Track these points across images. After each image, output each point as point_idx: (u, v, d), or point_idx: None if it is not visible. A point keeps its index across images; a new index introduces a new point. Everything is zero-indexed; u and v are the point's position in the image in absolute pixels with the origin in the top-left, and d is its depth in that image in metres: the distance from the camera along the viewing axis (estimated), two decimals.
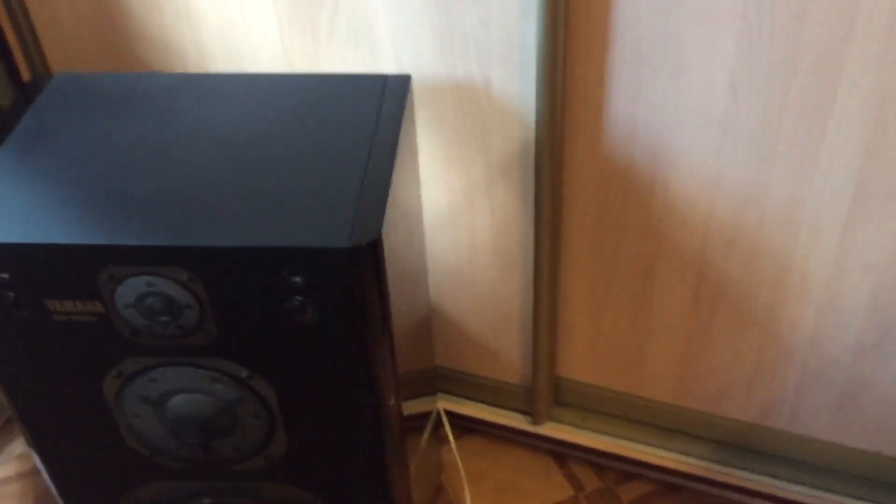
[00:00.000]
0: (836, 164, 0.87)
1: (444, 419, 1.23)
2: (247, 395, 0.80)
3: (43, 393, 0.83)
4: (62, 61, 1.14)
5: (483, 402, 1.27)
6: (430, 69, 0.96)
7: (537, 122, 0.93)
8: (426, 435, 1.10)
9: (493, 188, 1.03)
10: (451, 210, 1.08)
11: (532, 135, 0.96)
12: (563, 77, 0.90)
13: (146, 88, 0.90)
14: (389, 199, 0.75)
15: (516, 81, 0.93)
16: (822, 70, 0.82)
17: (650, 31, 0.85)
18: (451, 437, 1.22)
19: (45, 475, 0.91)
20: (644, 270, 1.04)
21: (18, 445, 1.33)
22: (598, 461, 1.26)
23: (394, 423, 0.84)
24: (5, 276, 0.73)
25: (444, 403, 1.26)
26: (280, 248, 0.70)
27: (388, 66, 0.98)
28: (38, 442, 0.88)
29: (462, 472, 1.24)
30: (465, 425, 1.29)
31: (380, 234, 0.71)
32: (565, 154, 0.97)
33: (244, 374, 0.79)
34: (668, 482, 1.23)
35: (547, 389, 1.20)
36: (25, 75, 1.16)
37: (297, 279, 0.71)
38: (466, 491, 1.22)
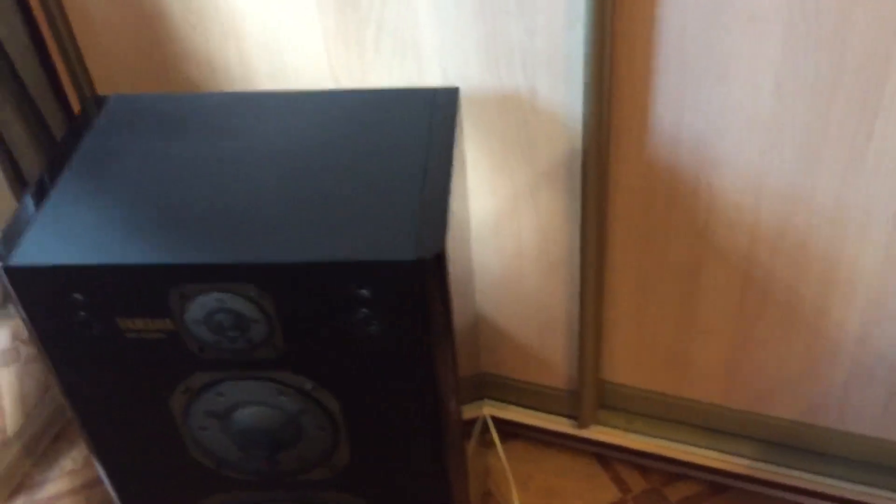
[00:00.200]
0: (884, 162, 0.87)
1: (491, 425, 1.24)
2: (311, 406, 0.82)
3: (109, 407, 0.84)
4: (106, 80, 1.16)
5: (528, 406, 1.28)
6: (476, 80, 0.97)
7: (584, 128, 0.94)
8: (473, 441, 1.12)
9: (539, 194, 1.04)
10: (496, 217, 1.09)
11: (578, 141, 0.97)
12: (609, 84, 0.91)
13: (200, 108, 0.91)
14: (449, 210, 0.76)
15: (562, 90, 0.94)
16: (869, 70, 0.82)
17: (695, 36, 0.86)
18: (497, 443, 1.24)
19: (108, 488, 0.93)
20: (689, 272, 1.05)
21: (70, 462, 1.35)
22: (644, 463, 1.27)
23: (454, 428, 0.85)
24: (78, 296, 0.75)
25: (489, 409, 1.27)
26: (348, 262, 0.71)
27: (433, 78, 0.99)
28: (103, 456, 0.89)
29: (510, 477, 1.25)
30: (508, 430, 1.30)
31: (444, 246, 0.72)
32: (610, 159, 0.98)
33: (309, 385, 0.80)
34: (715, 482, 1.24)
35: (592, 393, 1.21)
36: (72, 98, 1.19)
37: (364, 292, 0.73)
38: (515, 495, 1.23)
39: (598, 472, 1.28)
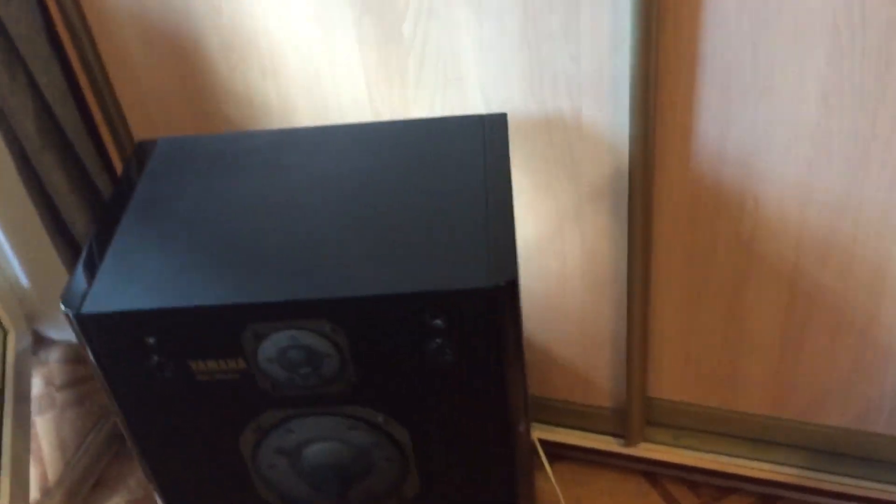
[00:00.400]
0: None
1: (538, 448, 1.24)
2: (381, 439, 0.82)
3: (177, 449, 0.84)
4: (142, 123, 1.17)
5: (574, 427, 1.28)
6: (519, 105, 0.98)
7: (630, 148, 0.95)
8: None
9: (583, 215, 1.05)
10: (540, 239, 1.09)
11: (624, 160, 0.98)
12: (654, 103, 0.92)
13: (251, 146, 0.92)
14: (514, 235, 0.77)
15: (608, 111, 0.95)
16: None
17: (739, 52, 0.88)
18: (547, 466, 1.23)
19: None
20: (735, 285, 1.06)
21: None
22: (693, 478, 1.27)
23: (523, 450, 0.85)
24: (151, 340, 0.75)
25: (536, 432, 1.27)
26: (422, 292, 0.72)
27: (475, 106, 1.00)
28: (170, 499, 0.89)
29: (561, 501, 1.24)
30: (555, 452, 1.30)
31: (516, 273, 0.72)
32: (656, 177, 0.99)
33: (380, 418, 0.80)
34: (766, 493, 1.24)
35: (639, 410, 1.21)
36: (107, 141, 1.19)
37: (438, 322, 0.73)
38: None
39: (648, 490, 1.27)
